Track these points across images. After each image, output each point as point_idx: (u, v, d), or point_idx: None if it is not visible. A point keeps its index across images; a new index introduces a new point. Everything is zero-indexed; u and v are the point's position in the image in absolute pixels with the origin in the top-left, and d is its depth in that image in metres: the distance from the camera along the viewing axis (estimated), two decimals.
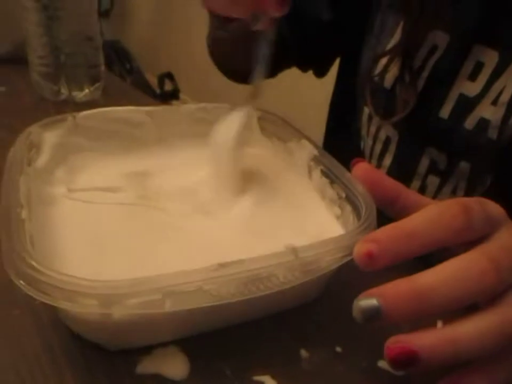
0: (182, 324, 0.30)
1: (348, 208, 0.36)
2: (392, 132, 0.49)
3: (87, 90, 0.61)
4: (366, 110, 0.52)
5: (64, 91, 0.60)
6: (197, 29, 0.62)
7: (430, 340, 0.25)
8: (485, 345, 0.25)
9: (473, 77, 0.42)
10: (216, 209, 0.38)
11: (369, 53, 0.52)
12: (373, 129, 0.51)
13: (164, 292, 0.25)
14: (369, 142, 0.52)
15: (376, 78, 0.48)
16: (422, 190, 0.48)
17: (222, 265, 0.26)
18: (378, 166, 0.51)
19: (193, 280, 0.25)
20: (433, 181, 0.47)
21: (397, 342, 0.25)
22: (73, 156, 0.40)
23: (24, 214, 0.29)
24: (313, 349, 0.31)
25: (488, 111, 0.42)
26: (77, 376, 0.28)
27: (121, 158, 0.42)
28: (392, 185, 0.33)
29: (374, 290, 0.25)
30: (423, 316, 0.25)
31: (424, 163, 0.47)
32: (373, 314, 0.25)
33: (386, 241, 0.27)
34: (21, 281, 0.25)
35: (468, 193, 0.45)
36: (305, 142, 0.43)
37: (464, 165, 0.44)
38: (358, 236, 0.29)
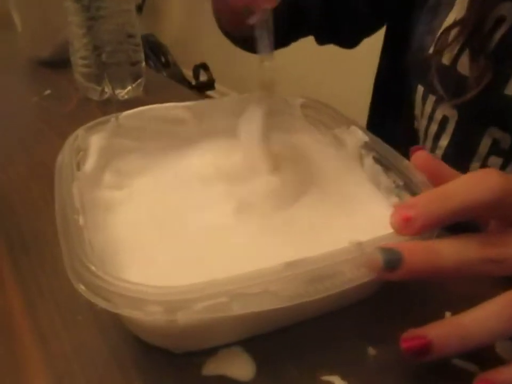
0: (247, 325, 0.29)
1: (407, 197, 0.35)
2: (450, 111, 0.46)
3: (129, 88, 0.61)
4: (420, 88, 0.49)
5: (107, 90, 0.61)
6: None
7: (442, 329, 0.26)
8: (493, 329, 0.26)
9: None
10: (265, 206, 0.36)
11: (423, 27, 0.49)
12: (428, 108, 0.49)
13: (231, 294, 0.24)
14: (424, 122, 0.50)
15: (436, 55, 0.45)
16: None
17: (289, 265, 0.25)
18: (434, 147, 0.49)
19: (260, 281, 0.24)
20: (495, 161, 0.44)
21: (412, 333, 0.27)
22: (119, 158, 0.40)
23: (81, 220, 0.29)
24: (381, 346, 0.30)
25: None
26: (146, 381, 0.28)
27: (165, 158, 0.41)
28: (454, 176, 0.31)
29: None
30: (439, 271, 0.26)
31: (485, 143, 0.44)
32: (395, 262, 0.26)
33: (421, 204, 0.27)
34: (83, 287, 0.25)
35: None
36: (354, 128, 0.41)
37: None
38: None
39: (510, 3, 0.41)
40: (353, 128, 0.41)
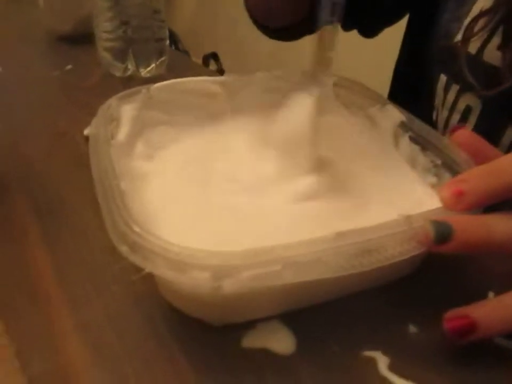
0: (292, 296, 0.29)
1: (447, 176, 0.34)
2: (474, 101, 0.45)
3: (153, 65, 0.60)
4: (443, 78, 0.48)
5: (130, 67, 0.60)
6: (240, 9, 0.59)
7: (485, 308, 0.26)
8: None
9: None
10: (298, 187, 0.35)
11: (449, 15, 0.48)
12: (450, 98, 0.48)
13: (284, 262, 0.23)
14: (445, 112, 0.49)
15: (460, 43, 0.44)
16: None
17: (339, 235, 0.25)
18: None
19: (312, 250, 0.24)
20: None
21: (456, 313, 0.26)
22: (150, 129, 0.39)
23: (122, 185, 0.28)
24: (422, 324, 0.30)
25: None
26: (185, 351, 0.27)
27: (196, 131, 0.41)
28: (499, 156, 0.30)
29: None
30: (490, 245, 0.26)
31: (509, 134, 0.43)
32: (446, 234, 0.25)
33: (474, 179, 0.27)
34: (126, 248, 0.24)
35: None
36: (390, 107, 0.40)
37: None
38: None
39: None
40: (388, 106, 0.41)
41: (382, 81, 0.63)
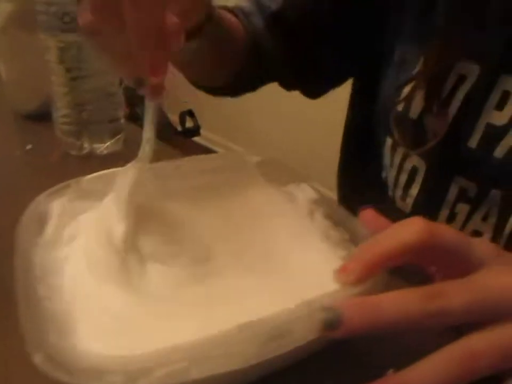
0: None
1: (353, 249, 0.37)
2: (419, 162, 0.48)
3: (108, 143, 0.64)
4: (389, 140, 0.51)
5: (86, 145, 0.64)
6: None
7: None
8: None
9: (500, 106, 0.42)
10: (216, 264, 0.37)
11: (390, 82, 0.52)
12: (397, 159, 0.51)
13: (191, 359, 0.26)
14: (393, 172, 0.52)
15: (400, 108, 0.48)
16: (451, 217, 0.48)
17: (243, 326, 0.27)
18: (405, 195, 0.51)
19: (217, 344, 0.26)
20: (463, 208, 0.47)
21: None
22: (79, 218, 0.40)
23: (40, 289, 0.31)
24: None
25: None
26: None
27: None
28: None
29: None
30: (379, 326, 0.27)
31: (453, 191, 0.47)
32: (334, 321, 0.26)
33: (357, 254, 0.30)
34: (40, 358, 0.25)
35: (501, 219, 0.45)
36: (305, 186, 0.44)
37: (495, 193, 0.44)
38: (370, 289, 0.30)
39: (468, 63, 0.43)
40: (303, 185, 0.44)
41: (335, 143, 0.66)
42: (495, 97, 0.43)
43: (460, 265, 0.30)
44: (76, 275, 0.35)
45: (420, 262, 0.32)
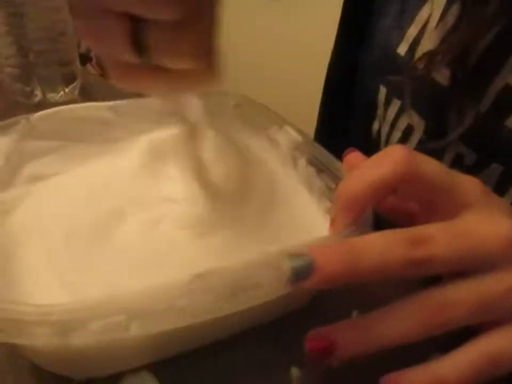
0: (153, 347, 0.26)
1: None
2: (417, 120, 0.42)
3: (62, 92, 0.57)
4: (383, 90, 0.45)
5: (38, 93, 0.57)
6: None
7: (346, 329, 0.24)
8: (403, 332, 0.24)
9: None
10: (190, 214, 0.33)
11: (389, 21, 0.45)
12: (390, 114, 0.45)
13: (129, 313, 0.21)
14: (386, 127, 0.46)
15: (403, 52, 0.42)
16: None
17: (198, 277, 0.22)
18: None
19: (164, 297, 0.21)
20: None
21: (317, 333, 0.24)
22: (32, 162, 0.36)
23: None
24: (304, 366, 0.27)
25: None
26: None
27: (85, 158, 0.38)
28: None
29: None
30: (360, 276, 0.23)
31: (448, 157, 0.41)
32: (304, 270, 0.23)
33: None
34: None
35: None
36: (287, 128, 0.39)
37: (495, 167, 0.38)
38: (351, 234, 0.26)
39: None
40: (286, 128, 0.39)
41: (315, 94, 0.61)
42: None
43: (443, 206, 0.27)
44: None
45: (402, 200, 0.29)
